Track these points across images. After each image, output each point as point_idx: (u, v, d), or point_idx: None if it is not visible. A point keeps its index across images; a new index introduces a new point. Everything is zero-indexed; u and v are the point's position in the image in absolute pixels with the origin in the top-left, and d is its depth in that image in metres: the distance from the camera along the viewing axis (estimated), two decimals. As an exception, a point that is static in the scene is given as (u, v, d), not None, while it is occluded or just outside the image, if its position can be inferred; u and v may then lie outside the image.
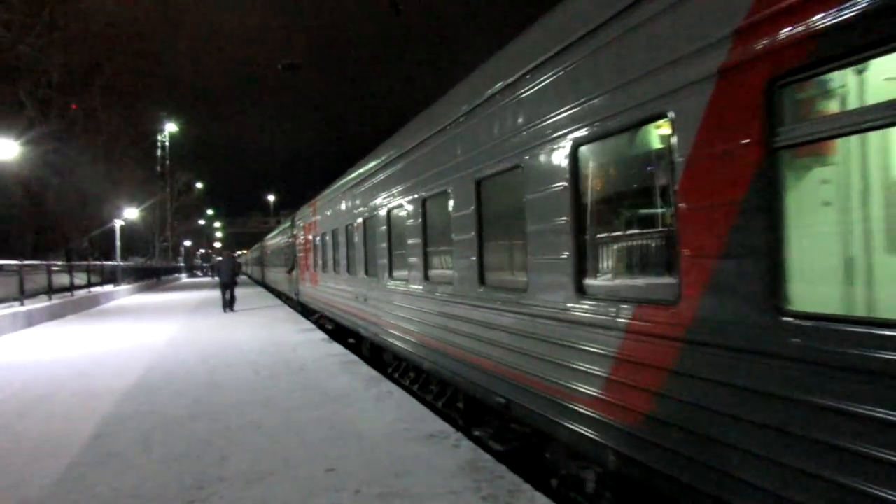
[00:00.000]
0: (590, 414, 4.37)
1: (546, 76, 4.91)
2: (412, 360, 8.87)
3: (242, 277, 63.45)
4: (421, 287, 8.17)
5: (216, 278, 23.72)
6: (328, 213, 15.79)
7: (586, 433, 4.43)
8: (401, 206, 8.97)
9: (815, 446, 2.74)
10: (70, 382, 9.77)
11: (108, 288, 32.22)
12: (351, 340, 14.56)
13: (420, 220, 8.06)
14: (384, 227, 9.93)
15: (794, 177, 3.05)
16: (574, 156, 4.51)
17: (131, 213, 41.63)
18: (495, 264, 6.22)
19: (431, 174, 7.65)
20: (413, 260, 8.40)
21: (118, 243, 39.31)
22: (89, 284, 28.67)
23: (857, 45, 2.57)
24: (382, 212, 10.02)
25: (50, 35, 32.23)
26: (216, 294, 23.73)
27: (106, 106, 38.52)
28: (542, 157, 4.91)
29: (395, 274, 9.51)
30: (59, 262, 27.50)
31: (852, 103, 2.81)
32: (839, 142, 2.94)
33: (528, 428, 5.97)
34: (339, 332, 15.38)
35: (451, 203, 6.94)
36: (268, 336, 14.90)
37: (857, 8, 2.55)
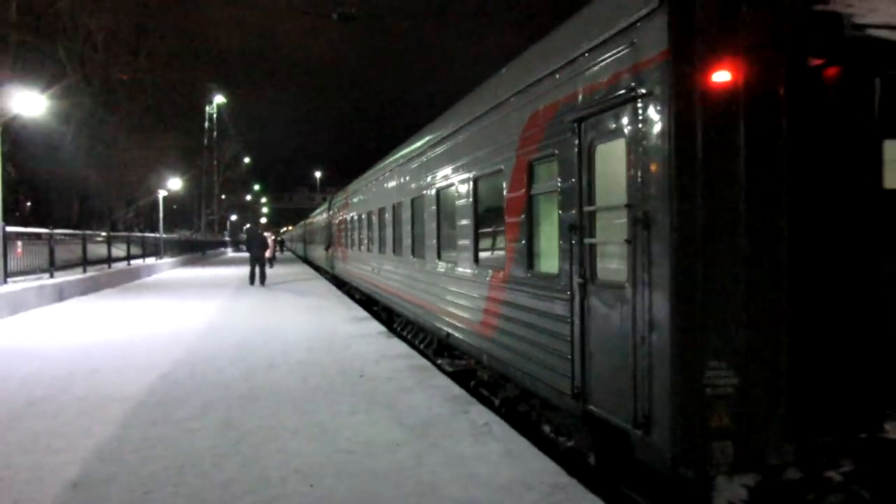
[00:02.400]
0: (477, 333, 7.56)
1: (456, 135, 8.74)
2: (405, 315, 12.41)
3: (286, 254, 61.68)
4: (409, 261, 11.41)
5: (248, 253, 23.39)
6: (354, 200, 19.84)
7: (476, 345, 7.69)
8: (399, 203, 12.34)
9: (531, 327, 5.97)
10: (77, 381, 7.87)
11: (150, 261, 30.90)
12: (375, 308, 16.43)
13: (409, 213, 11.39)
14: (388, 216, 13.41)
15: (537, 208, 6.13)
16: (475, 186, 7.77)
17: (175, 184, 40.25)
18: (447, 246, 9.11)
19: (407, 187, 11.70)
20: (406, 242, 11.64)
21: (161, 215, 38.10)
22: (129, 257, 27.27)
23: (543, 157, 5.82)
24: (385, 204, 13.80)
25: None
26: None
27: (151, 71, 37.03)
28: (456, 186, 8.47)
29: (396, 251, 12.69)
30: (97, 232, 26.12)
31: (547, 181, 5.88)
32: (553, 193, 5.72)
33: (459, 351, 9.12)
34: (368, 301, 17.55)
35: (423, 207, 10.26)
36: (315, 324, 12.87)
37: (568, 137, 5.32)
